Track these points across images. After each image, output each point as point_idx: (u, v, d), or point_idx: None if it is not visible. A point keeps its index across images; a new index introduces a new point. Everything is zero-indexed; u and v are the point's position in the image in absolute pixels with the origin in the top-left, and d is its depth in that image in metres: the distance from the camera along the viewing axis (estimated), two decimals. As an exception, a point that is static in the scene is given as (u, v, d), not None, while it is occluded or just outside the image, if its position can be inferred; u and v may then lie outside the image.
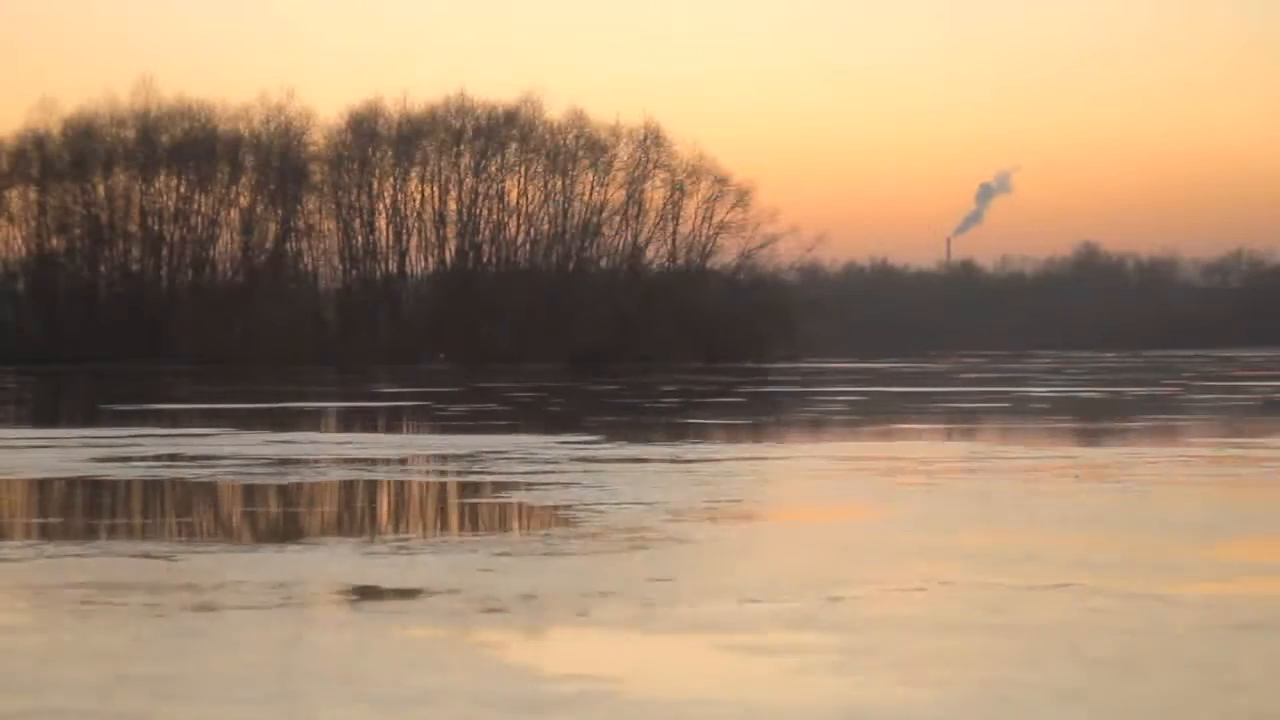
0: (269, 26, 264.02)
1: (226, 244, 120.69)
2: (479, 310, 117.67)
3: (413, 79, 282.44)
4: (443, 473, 23.98)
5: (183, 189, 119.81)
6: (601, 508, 17.66)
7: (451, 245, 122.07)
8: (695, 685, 8.55)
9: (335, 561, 13.49)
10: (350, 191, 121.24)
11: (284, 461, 25.10)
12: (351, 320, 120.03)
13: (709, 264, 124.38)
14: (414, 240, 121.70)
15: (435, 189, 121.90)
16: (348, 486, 21.34)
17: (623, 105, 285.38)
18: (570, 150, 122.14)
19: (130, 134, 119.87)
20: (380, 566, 13.18)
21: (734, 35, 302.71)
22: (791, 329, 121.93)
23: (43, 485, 21.58)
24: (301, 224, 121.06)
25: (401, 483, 22.66)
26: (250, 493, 20.55)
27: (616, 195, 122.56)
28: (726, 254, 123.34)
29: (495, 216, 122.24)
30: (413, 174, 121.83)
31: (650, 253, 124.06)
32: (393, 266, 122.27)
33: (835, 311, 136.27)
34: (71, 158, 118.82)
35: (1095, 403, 49.61)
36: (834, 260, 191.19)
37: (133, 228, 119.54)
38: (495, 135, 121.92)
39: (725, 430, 35.31)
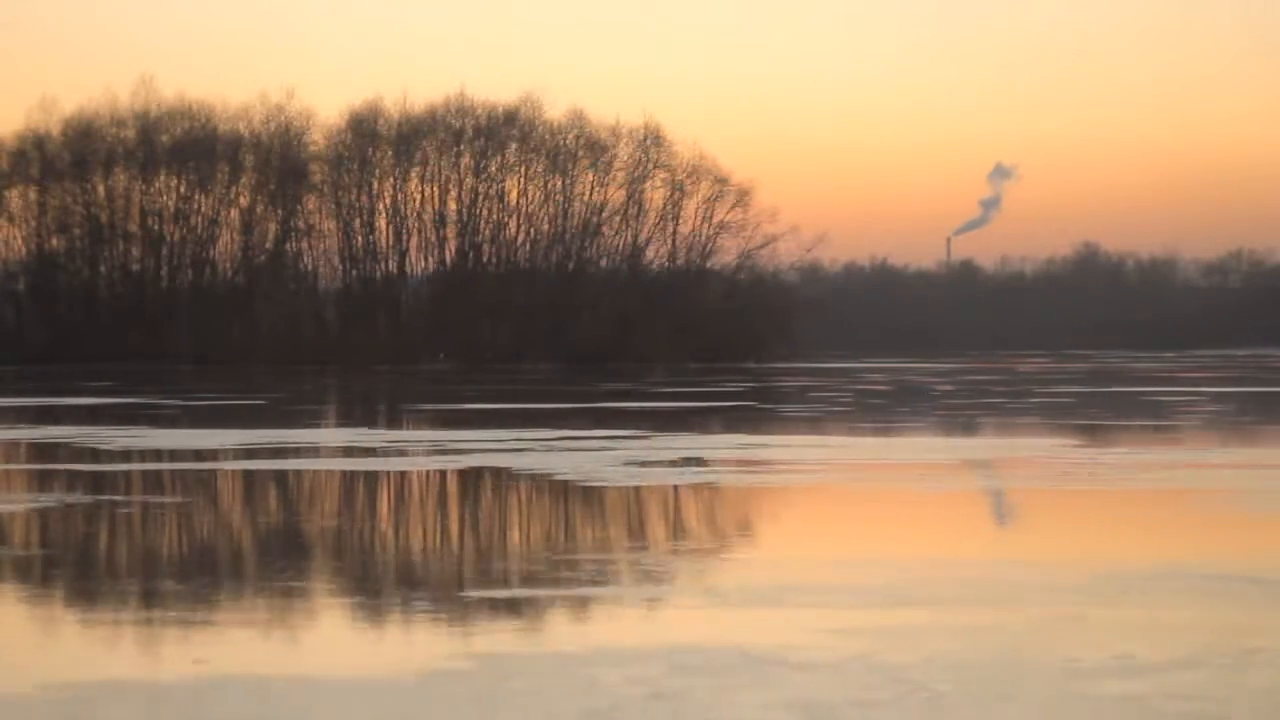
0: (269, 26, 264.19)
1: (226, 244, 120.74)
2: (479, 310, 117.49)
3: (413, 79, 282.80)
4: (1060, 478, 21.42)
5: (183, 189, 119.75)
6: None
7: (451, 245, 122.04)
8: None
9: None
10: (350, 191, 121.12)
11: (759, 463, 23.09)
12: (351, 320, 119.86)
13: (709, 264, 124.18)
14: (414, 240, 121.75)
15: (435, 189, 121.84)
16: (1026, 496, 19.21)
17: (623, 105, 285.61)
18: (570, 150, 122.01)
19: (130, 134, 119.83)
20: None
21: (734, 35, 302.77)
22: (791, 329, 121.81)
23: (679, 494, 20.17)
24: (301, 224, 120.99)
25: (1039, 490, 19.96)
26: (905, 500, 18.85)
27: (616, 195, 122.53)
28: (726, 254, 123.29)
29: (495, 216, 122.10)
30: (413, 174, 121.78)
31: (650, 253, 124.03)
32: (393, 266, 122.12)
33: (835, 311, 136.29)
34: (71, 158, 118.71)
35: None
36: (834, 260, 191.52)
37: (133, 228, 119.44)
38: (495, 135, 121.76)
39: (1143, 430, 33.71)
